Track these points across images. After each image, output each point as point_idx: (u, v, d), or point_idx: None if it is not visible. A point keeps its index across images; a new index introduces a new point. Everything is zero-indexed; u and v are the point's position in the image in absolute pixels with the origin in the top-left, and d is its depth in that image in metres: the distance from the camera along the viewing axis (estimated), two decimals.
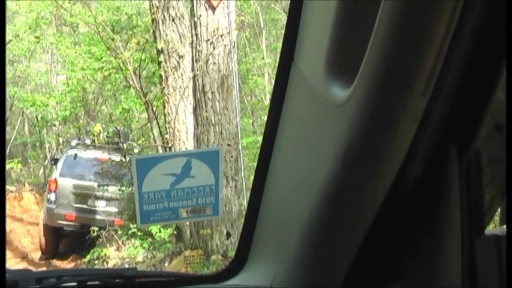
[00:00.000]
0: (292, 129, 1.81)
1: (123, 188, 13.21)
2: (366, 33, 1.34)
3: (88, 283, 2.10)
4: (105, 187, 13.54)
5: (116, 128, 13.89)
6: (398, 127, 1.43)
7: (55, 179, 14.22)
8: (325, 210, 1.67)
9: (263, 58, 18.66)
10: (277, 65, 1.88)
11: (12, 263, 14.17)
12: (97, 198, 13.83)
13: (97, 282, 2.13)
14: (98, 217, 13.53)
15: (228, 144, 9.23)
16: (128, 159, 13.06)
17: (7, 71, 24.16)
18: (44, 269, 13.23)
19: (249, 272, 2.15)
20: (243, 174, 9.63)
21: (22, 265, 13.95)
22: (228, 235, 8.87)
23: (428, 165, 1.56)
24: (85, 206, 13.92)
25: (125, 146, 13.17)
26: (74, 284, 2.09)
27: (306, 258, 1.83)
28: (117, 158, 13.50)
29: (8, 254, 14.85)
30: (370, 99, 1.38)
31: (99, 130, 12.28)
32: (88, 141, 14.14)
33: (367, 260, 1.74)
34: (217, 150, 2.40)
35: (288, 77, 1.74)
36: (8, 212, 20.68)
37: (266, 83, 18.28)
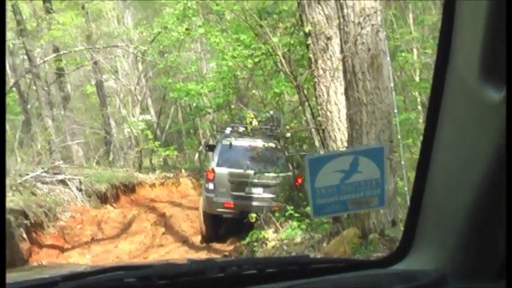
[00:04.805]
0: (450, 126, 1.89)
1: (278, 172, 13.46)
2: None
3: (266, 271, 2.25)
4: (261, 174, 13.83)
5: (269, 112, 14.12)
6: None
7: (212, 169, 14.67)
8: (484, 200, 1.76)
9: (411, 33, 18.38)
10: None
11: (173, 247, 14.67)
12: (253, 185, 14.14)
13: (274, 270, 2.28)
14: (256, 203, 13.83)
15: (391, 142, 9.13)
16: (281, 142, 13.29)
17: (158, 62, 24.95)
18: (205, 252, 13.73)
19: (414, 256, 2.25)
20: (402, 153, 9.57)
21: (183, 249, 14.43)
22: (394, 223, 8.82)
23: None
24: (242, 194, 14.28)
25: (278, 131, 13.38)
26: (254, 271, 2.24)
27: (468, 244, 1.92)
28: (270, 143, 13.75)
29: (169, 238, 15.41)
30: None
31: (251, 118, 12.52)
32: (241, 129, 14.48)
33: None
34: (381, 147, 2.52)
35: (445, 78, 1.83)
36: (167, 197, 21.50)
37: (415, 59, 18.00)
